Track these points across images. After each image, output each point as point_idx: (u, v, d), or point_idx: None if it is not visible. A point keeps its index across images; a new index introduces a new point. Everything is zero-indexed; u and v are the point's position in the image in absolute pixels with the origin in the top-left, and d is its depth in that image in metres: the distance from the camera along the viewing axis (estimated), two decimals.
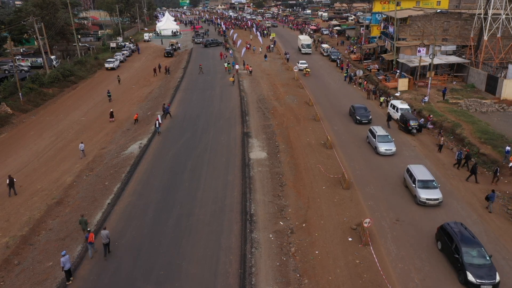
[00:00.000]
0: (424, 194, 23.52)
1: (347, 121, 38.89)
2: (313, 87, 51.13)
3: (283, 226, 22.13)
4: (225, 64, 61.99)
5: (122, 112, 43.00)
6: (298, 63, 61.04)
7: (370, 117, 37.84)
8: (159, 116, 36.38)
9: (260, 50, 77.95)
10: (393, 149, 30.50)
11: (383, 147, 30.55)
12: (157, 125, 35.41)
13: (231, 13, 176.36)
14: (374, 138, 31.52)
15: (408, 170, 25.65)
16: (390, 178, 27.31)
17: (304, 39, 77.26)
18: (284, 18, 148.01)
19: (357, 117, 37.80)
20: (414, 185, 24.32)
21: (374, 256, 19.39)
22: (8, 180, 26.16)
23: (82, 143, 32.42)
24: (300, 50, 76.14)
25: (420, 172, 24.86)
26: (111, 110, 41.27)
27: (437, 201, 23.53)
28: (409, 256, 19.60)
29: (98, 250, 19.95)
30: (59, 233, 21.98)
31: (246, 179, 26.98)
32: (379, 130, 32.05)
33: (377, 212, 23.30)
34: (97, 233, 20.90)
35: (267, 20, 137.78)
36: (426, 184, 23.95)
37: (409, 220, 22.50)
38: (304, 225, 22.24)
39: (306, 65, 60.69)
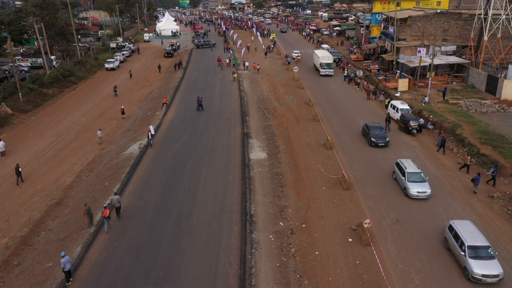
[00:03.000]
0: (479, 268, 17.46)
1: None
2: (313, 88, 51.11)
3: (283, 227, 22.11)
4: (227, 60, 64.42)
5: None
6: (293, 52, 68.47)
7: (388, 138, 32.26)
8: (151, 127, 33.00)
9: (263, 47, 78.17)
10: (428, 191, 24.22)
11: (414, 189, 24.30)
12: (149, 137, 32.48)
13: (231, 14, 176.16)
14: (404, 176, 25.11)
15: (451, 229, 19.69)
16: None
17: (324, 56, 58.00)
18: (284, 19, 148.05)
19: (372, 139, 32.15)
20: (463, 253, 18.34)
21: (376, 257, 19.36)
22: (15, 170, 27.73)
23: (100, 130, 34.86)
24: (318, 70, 58.80)
25: (470, 233, 18.82)
26: (122, 106, 42.38)
27: (497, 278, 17.49)
28: (410, 257, 19.57)
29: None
30: (58, 234, 21.96)
31: (246, 179, 26.95)
32: (409, 166, 25.64)
33: (377, 213, 23.27)
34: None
35: (273, 21, 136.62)
36: (480, 253, 18.02)
37: (409, 221, 22.47)
38: (304, 225, 22.22)
39: (299, 53, 68.87)
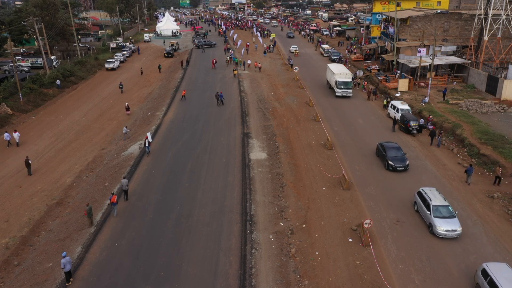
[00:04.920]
0: None
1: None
2: (313, 87, 51.09)
3: (283, 227, 22.10)
4: (227, 58, 65.05)
5: (122, 111, 43.01)
6: (291, 47, 72.40)
7: (407, 162, 27.86)
8: (148, 134, 31.78)
9: (265, 45, 78.34)
10: (459, 229, 20.39)
11: (442, 226, 20.47)
12: (146, 144, 30.87)
13: (232, 14, 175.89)
14: (428, 209, 21.37)
15: (485, 274, 16.74)
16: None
17: (340, 72, 45.69)
18: (284, 19, 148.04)
19: (390, 163, 27.72)
20: None
21: (374, 257, 19.36)
22: (25, 162, 28.96)
23: (126, 127, 35.94)
24: (331, 88, 47.83)
25: (509, 281, 15.92)
26: (127, 103, 43.06)
27: None
28: (410, 257, 19.57)
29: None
30: (59, 234, 21.96)
31: (246, 179, 26.94)
32: (435, 197, 21.82)
33: (377, 213, 23.27)
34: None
35: (279, 24, 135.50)
36: None
37: (410, 221, 22.48)
38: (304, 226, 22.22)
39: (296, 48, 73.51)
